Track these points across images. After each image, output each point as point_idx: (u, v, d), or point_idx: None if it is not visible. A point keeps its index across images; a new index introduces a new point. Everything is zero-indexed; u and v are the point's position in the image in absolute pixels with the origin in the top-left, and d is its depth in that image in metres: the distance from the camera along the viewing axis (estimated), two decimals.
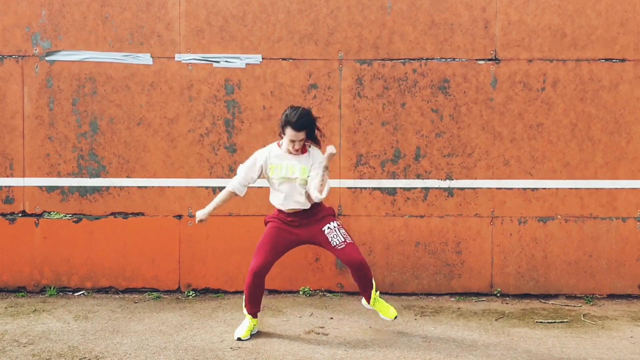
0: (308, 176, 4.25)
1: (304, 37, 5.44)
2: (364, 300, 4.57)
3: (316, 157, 4.31)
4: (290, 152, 4.27)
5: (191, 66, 5.44)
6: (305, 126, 4.21)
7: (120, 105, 5.45)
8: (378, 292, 4.54)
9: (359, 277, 4.38)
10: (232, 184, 4.40)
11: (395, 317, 4.45)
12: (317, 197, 4.14)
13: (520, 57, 5.44)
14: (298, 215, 4.34)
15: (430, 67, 5.45)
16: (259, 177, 4.39)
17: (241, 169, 4.40)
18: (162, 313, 4.99)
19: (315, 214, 4.35)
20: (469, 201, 5.48)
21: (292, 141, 4.22)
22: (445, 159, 5.46)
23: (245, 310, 4.45)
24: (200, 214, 4.39)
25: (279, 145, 4.35)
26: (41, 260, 5.48)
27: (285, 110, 4.25)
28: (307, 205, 4.32)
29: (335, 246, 4.27)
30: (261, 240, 4.37)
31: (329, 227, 4.31)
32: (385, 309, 4.47)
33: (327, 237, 4.29)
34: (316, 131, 4.33)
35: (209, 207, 4.41)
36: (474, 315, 5.02)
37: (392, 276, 5.51)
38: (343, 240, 4.28)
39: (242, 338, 4.36)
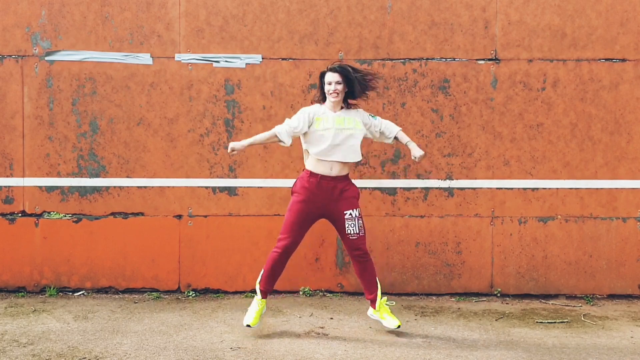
0: (369, 130, 4.47)
1: (304, 37, 5.44)
2: (370, 310, 4.56)
3: (362, 112, 4.50)
4: (331, 96, 4.36)
5: (191, 66, 5.44)
6: (341, 70, 4.34)
7: (120, 105, 5.45)
8: (385, 297, 4.56)
9: (362, 270, 4.45)
10: (279, 127, 4.40)
11: (398, 327, 4.43)
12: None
13: (521, 57, 5.44)
14: (330, 181, 4.36)
15: (430, 67, 5.45)
16: (308, 128, 4.39)
17: (290, 120, 4.43)
18: (162, 313, 4.99)
19: (344, 189, 4.40)
20: (469, 201, 5.48)
21: (329, 83, 4.36)
22: (446, 159, 5.46)
23: (257, 288, 4.49)
24: (235, 144, 4.33)
25: (323, 103, 4.48)
26: (41, 260, 5.48)
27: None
28: (344, 170, 4.39)
29: (348, 234, 4.37)
30: (289, 217, 4.40)
31: (350, 214, 4.37)
32: (390, 315, 4.48)
33: (345, 223, 4.36)
34: (357, 86, 4.39)
35: (247, 141, 4.38)
36: (474, 316, 5.02)
37: (392, 276, 5.51)
38: (357, 232, 4.38)
39: (252, 325, 4.40)
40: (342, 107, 4.48)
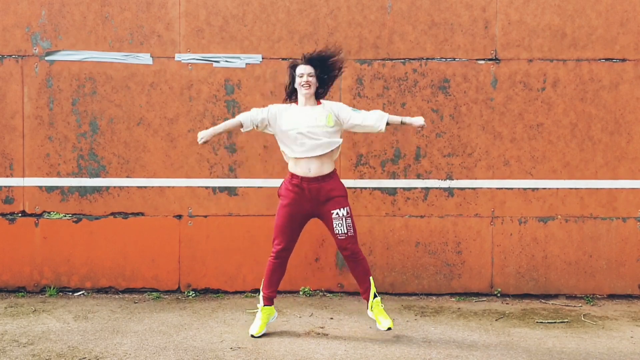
0: (347, 124, 4.34)
1: (304, 37, 5.44)
2: (369, 311, 4.48)
3: (336, 106, 4.37)
4: (303, 88, 4.29)
5: (191, 66, 5.44)
6: (313, 61, 4.29)
7: (120, 105, 5.45)
8: (378, 297, 4.41)
9: (354, 268, 4.38)
10: (243, 114, 4.42)
11: (389, 329, 4.29)
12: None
13: (521, 57, 5.44)
14: (310, 182, 4.28)
15: (430, 67, 5.45)
16: (267, 124, 4.37)
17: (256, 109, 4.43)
18: (162, 313, 4.99)
19: (330, 189, 4.30)
20: (469, 201, 5.48)
21: (301, 75, 4.29)
22: (446, 159, 5.46)
23: (260, 297, 4.46)
24: (204, 133, 4.33)
25: (295, 102, 4.42)
26: (41, 260, 5.48)
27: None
28: (324, 169, 4.29)
29: (337, 234, 4.31)
30: (277, 221, 4.38)
31: (337, 213, 4.29)
32: (383, 316, 4.36)
33: (333, 223, 4.30)
34: (328, 80, 4.36)
35: (213, 129, 4.37)
36: (474, 316, 5.02)
37: (392, 276, 5.51)
38: (345, 232, 4.30)
39: (255, 335, 4.37)
40: (313, 102, 4.39)
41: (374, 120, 4.32)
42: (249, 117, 4.39)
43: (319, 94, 4.43)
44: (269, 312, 4.48)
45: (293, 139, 4.29)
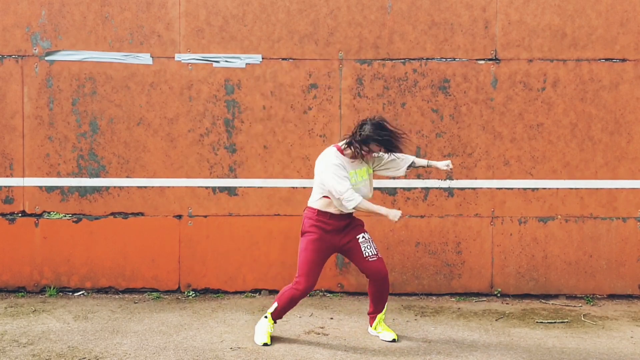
0: (379, 169, 4.37)
1: (304, 37, 5.44)
2: (370, 328, 4.49)
3: (380, 156, 4.36)
4: (365, 157, 4.24)
5: (191, 66, 5.44)
6: (389, 147, 4.19)
7: (120, 105, 5.45)
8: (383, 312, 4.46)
9: (379, 292, 4.36)
10: (358, 197, 4.17)
11: (393, 340, 4.37)
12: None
13: (521, 57, 5.44)
14: (340, 219, 4.27)
15: (430, 67, 5.44)
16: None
17: (341, 182, 4.16)
18: (162, 313, 4.98)
19: (351, 220, 4.33)
20: (469, 201, 5.48)
21: (371, 151, 4.19)
22: (446, 159, 5.45)
23: (269, 314, 4.35)
24: (395, 214, 4.22)
25: (341, 152, 4.25)
26: (41, 260, 5.48)
27: (369, 124, 4.16)
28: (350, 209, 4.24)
29: (367, 257, 4.26)
30: (306, 257, 4.25)
31: (363, 237, 4.30)
32: (386, 330, 4.44)
33: (361, 246, 4.27)
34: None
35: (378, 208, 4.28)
36: (474, 316, 5.02)
37: (392, 276, 5.51)
38: (375, 253, 4.28)
39: (269, 343, 4.28)
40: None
41: (401, 160, 4.37)
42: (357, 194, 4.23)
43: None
44: (273, 324, 4.41)
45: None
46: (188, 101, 5.45)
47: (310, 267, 4.23)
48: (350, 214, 4.32)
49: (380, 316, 4.44)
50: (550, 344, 4.38)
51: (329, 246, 4.29)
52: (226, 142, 5.46)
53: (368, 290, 4.43)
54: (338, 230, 4.28)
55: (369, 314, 4.51)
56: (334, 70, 5.44)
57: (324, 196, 4.24)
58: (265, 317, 4.36)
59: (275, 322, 4.39)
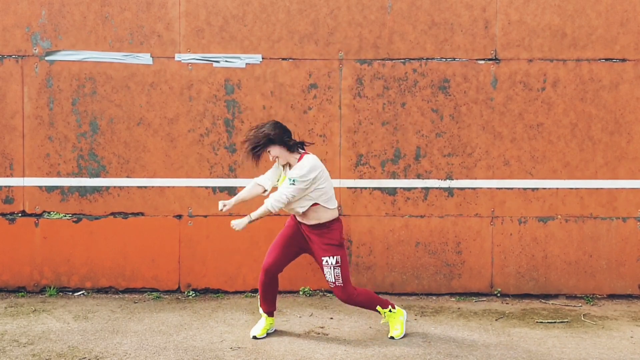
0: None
1: (304, 37, 5.44)
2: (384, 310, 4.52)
3: (292, 169, 4.27)
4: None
5: (191, 66, 5.44)
6: (253, 145, 4.27)
7: (120, 105, 5.45)
8: (389, 308, 4.43)
9: (354, 306, 4.43)
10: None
11: (394, 338, 4.41)
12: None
13: (521, 57, 5.44)
14: (306, 227, 4.33)
15: (430, 67, 5.45)
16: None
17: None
18: (162, 313, 4.99)
19: (322, 235, 4.27)
20: (469, 201, 5.48)
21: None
22: (446, 159, 5.46)
23: (260, 310, 4.47)
24: (225, 202, 4.43)
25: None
26: (41, 260, 5.48)
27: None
28: (307, 220, 4.28)
29: (327, 280, 4.32)
30: (276, 238, 4.44)
31: (326, 261, 4.26)
32: (394, 327, 4.45)
33: (323, 269, 4.30)
34: (287, 140, 4.27)
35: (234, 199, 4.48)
36: (474, 315, 5.02)
37: (392, 276, 5.51)
38: (334, 281, 4.26)
39: (258, 336, 4.39)
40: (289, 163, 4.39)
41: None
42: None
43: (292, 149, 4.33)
44: (271, 322, 4.48)
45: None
46: (188, 101, 5.45)
47: (275, 247, 4.38)
48: (312, 225, 4.28)
49: (397, 312, 4.44)
50: (550, 343, 4.39)
51: (298, 239, 4.37)
52: (226, 142, 5.46)
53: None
54: (307, 233, 4.34)
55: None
56: (334, 70, 5.44)
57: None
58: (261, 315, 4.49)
59: (270, 316, 4.45)
